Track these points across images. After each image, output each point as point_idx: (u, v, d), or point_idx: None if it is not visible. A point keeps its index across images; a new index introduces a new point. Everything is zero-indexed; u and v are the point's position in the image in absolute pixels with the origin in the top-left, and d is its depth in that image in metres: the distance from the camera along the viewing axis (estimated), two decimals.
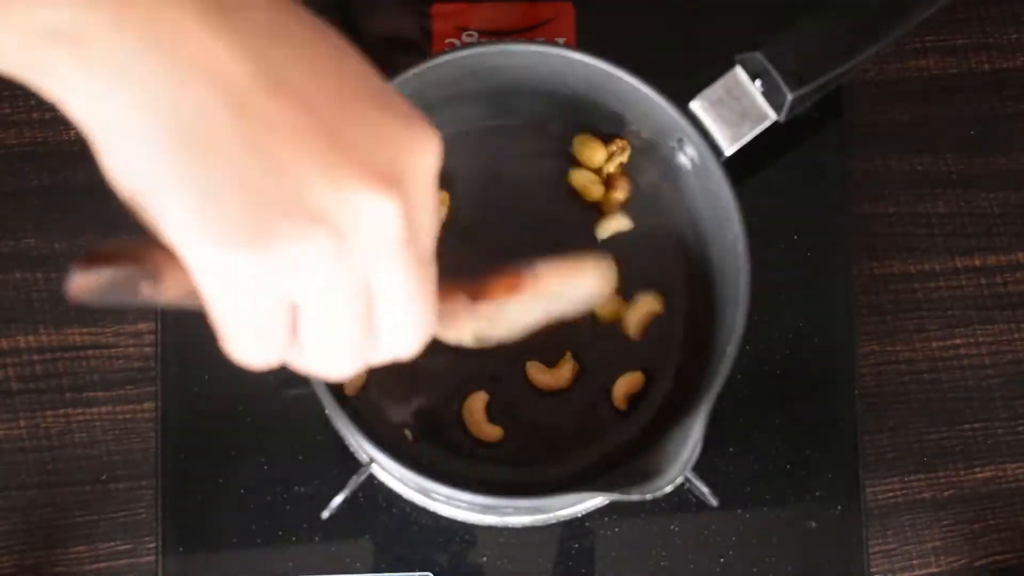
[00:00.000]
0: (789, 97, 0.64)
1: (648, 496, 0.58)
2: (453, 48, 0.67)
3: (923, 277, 0.80)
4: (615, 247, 0.72)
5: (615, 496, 0.61)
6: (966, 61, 0.81)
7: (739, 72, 0.66)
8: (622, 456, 0.69)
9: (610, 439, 0.71)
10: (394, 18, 0.79)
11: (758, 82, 0.65)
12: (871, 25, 0.65)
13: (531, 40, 0.76)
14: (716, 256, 0.69)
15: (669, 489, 0.58)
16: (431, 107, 0.71)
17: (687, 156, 0.68)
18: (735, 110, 0.66)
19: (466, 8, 0.78)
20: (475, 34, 0.78)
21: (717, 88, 0.66)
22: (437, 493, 0.69)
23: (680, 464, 0.59)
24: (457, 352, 0.70)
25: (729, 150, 0.65)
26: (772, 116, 0.66)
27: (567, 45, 0.76)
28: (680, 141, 0.67)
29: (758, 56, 0.65)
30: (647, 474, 0.60)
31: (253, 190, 0.37)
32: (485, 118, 0.73)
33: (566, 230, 0.73)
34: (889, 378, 0.79)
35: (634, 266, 0.72)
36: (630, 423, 0.71)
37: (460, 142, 0.72)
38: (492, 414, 0.71)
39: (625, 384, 0.71)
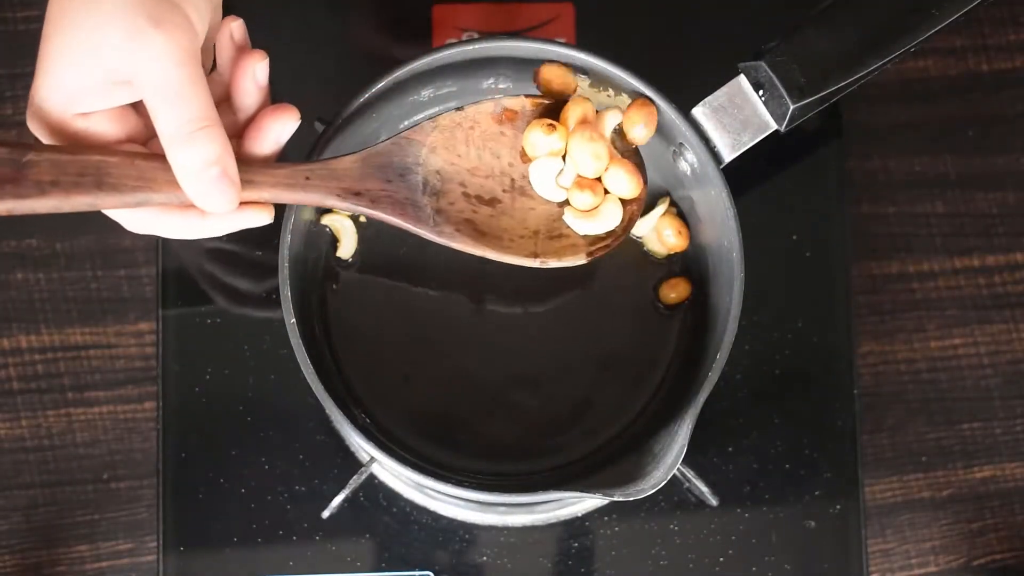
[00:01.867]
0: (791, 108, 0.64)
1: (631, 498, 0.58)
2: (455, 43, 0.67)
3: (922, 277, 0.80)
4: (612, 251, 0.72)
5: (598, 496, 0.61)
6: (965, 62, 0.82)
7: (742, 81, 0.66)
8: (612, 456, 0.69)
9: (601, 438, 0.71)
10: (395, 19, 0.79)
11: (760, 92, 0.66)
12: (876, 40, 0.65)
13: (534, 37, 0.76)
14: (712, 263, 0.69)
15: (651, 491, 0.58)
16: (429, 102, 0.72)
17: (687, 162, 0.68)
18: (736, 118, 0.66)
19: (466, 8, 0.78)
20: (475, 34, 0.78)
21: (719, 96, 0.66)
22: (430, 488, 0.69)
23: (665, 468, 0.59)
24: (457, 351, 0.71)
25: (729, 157, 0.66)
26: (773, 126, 0.66)
27: (570, 44, 0.76)
28: (680, 146, 0.67)
29: (762, 66, 0.65)
30: (631, 476, 0.60)
31: None
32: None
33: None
34: (888, 378, 0.79)
35: (629, 270, 0.72)
36: (624, 426, 0.71)
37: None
38: (489, 414, 0.71)
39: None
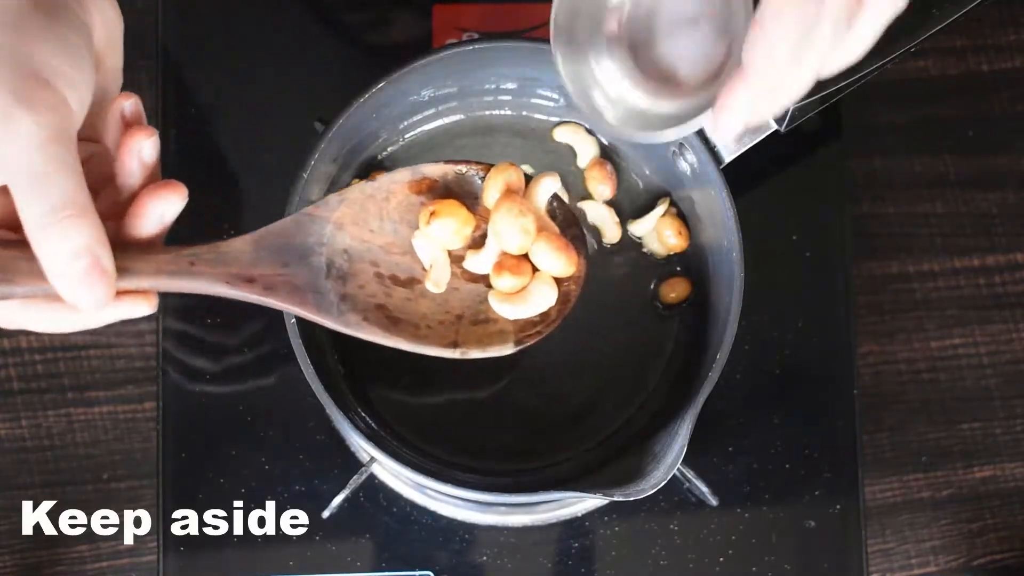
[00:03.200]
0: (791, 108, 0.64)
1: (631, 498, 0.58)
2: (455, 44, 0.67)
3: (921, 277, 0.80)
4: (612, 251, 0.72)
5: (598, 496, 0.61)
6: (965, 62, 0.82)
7: None
8: (612, 456, 0.69)
9: (601, 438, 0.71)
10: (395, 19, 0.79)
11: None
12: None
13: (534, 38, 0.76)
14: (712, 263, 0.69)
15: (651, 491, 0.58)
16: (429, 102, 0.72)
17: (687, 162, 0.68)
18: None
19: (466, 9, 0.78)
20: (475, 34, 0.78)
21: None
22: (430, 488, 0.69)
23: (664, 467, 0.59)
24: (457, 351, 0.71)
25: (729, 158, 0.66)
26: (773, 126, 0.66)
27: None
28: (680, 147, 0.67)
29: None
30: (631, 476, 0.60)
31: None
32: (478, 110, 0.73)
33: None
34: (888, 378, 0.79)
35: (630, 270, 0.72)
36: (624, 426, 0.71)
37: (453, 135, 0.73)
38: (489, 414, 0.71)
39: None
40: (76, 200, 0.46)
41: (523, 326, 0.57)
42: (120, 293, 0.49)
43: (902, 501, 0.78)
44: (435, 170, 0.59)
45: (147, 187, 0.50)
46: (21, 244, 0.46)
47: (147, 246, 0.51)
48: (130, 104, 0.51)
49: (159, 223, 0.51)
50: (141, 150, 0.50)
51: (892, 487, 0.78)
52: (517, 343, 0.57)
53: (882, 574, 0.77)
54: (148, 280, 0.50)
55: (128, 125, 0.50)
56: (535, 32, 0.78)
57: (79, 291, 0.47)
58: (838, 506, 0.75)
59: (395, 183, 0.58)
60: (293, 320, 0.63)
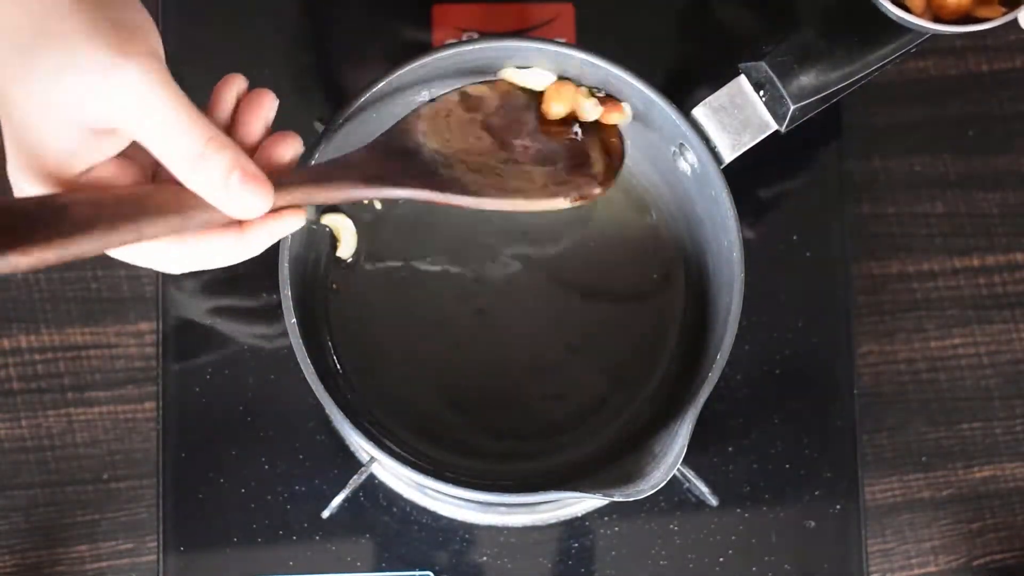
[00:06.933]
0: (791, 108, 0.64)
1: (631, 498, 0.58)
2: (455, 43, 0.67)
3: (921, 277, 0.80)
4: (612, 248, 0.72)
5: (598, 496, 0.61)
6: (965, 62, 0.82)
7: (743, 81, 0.66)
8: (612, 456, 0.69)
9: (601, 438, 0.71)
10: (395, 19, 0.79)
11: (761, 92, 0.66)
12: (876, 39, 0.65)
13: (534, 37, 0.76)
14: (712, 263, 0.69)
15: (651, 492, 0.58)
16: (429, 102, 0.72)
17: (687, 162, 0.68)
18: (737, 119, 0.66)
19: (466, 8, 0.78)
20: (475, 34, 0.78)
21: (720, 96, 0.66)
22: (431, 488, 0.69)
23: (665, 468, 0.59)
24: (457, 351, 0.71)
25: (729, 158, 0.66)
26: (774, 126, 0.66)
27: (571, 44, 0.76)
28: (681, 146, 0.67)
29: (762, 66, 0.65)
30: (631, 476, 0.60)
31: None
32: None
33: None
34: (888, 378, 0.79)
35: (630, 269, 0.72)
36: (624, 426, 0.71)
37: None
38: (489, 414, 0.71)
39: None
40: (206, 128, 0.49)
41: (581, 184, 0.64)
42: (274, 212, 0.52)
43: (902, 501, 0.78)
44: (477, 89, 0.66)
45: (270, 137, 0.55)
46: (164, 185, 0.50)
47: (284, 169, 0.55)
48: (241, 80, 0.55)
49: (294, 152, 0.55)
50: (266, 113, 0.54)
51: (892, 487, 0.78)
52: (574, 199, 0.63)
53: (882, 574, 0.77)
54: (300, 191, 0.54)
55: (247, 93, 0.55)
56: (535, 32, 0.78)
57: (243, 198, 0.50)
58: (838, 506, 0.75)
59: (449, 101, 0.65)
60: (293, 320, 0.63)
